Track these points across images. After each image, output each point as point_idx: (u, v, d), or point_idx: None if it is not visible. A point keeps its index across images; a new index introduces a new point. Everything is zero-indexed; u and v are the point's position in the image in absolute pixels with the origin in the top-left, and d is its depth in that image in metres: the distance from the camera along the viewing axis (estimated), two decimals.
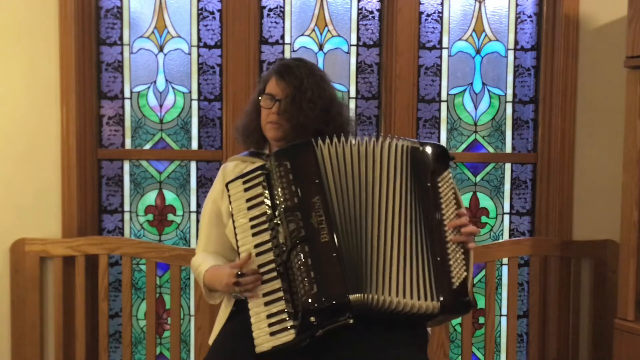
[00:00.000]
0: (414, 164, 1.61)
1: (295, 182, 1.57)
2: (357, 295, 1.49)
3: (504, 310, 2.54)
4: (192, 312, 2.50)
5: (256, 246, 1.59)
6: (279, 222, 1.56)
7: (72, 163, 2.37)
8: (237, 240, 1.62)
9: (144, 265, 2.45)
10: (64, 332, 2.37)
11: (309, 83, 1.73)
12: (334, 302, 1.47)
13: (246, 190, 1.64)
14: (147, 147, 2.52)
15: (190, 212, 2.54)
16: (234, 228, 1.63)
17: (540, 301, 2.51)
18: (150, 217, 2.54)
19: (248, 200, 1.63)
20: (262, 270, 1.56)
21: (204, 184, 2.52)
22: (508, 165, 2.61)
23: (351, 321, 1.47)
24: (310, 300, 1.46)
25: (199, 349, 2.39)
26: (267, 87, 1.79)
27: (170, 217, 2.55)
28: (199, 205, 2.53)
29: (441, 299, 1.52)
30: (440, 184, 1.61)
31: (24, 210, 2.37)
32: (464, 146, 2.59)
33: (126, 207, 2.53)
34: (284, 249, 1.53)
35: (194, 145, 2.52)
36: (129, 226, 2.53)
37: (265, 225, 1.59)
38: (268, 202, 1.60)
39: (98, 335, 2.40)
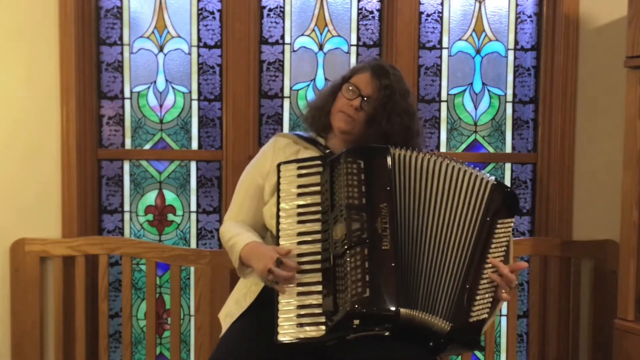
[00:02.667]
0: (489, 199, 1.58)
1: (366, 183, 1.54)
2: (407, 310, 1.47)
3: (504, 310, 2.54)
4: (192, 312, 2.50)
5: (299, 234, 1.57)
6: (338, 217, 1.52)
7: (72, 163, 2.36)
8: (278, 224, 1.59)
9: (144, 265, 2.44)
10: (64, 332, 2.37)
11: (400, 95, 1.71)
12: (383, 313, 1.44)
13: (300, 176, 1.62)
14: (147, 147, 2.52)
15: (190, 212, 2.54)
16: (278, 210, 1.59)
17: (540, 301, 2.51)
18: (150, 217, 2.54)
19: (300, 186, 1.60)
20: (302, 260, 1.53)
21: (204, 184, 2.52)
22: (508, 165, 2.61)
23: (387, 333, 1.44)
24: (359, 303, 1.43)
25: (199, 349, 2.39)
26: (355, 77, 1.75)
27: (170, 217, 2.54)
28: (199, 205, 2.53)
29: (453, 323, 1.50)
30: (498, 226, 1.59)
31: (24, 210, 2.36)
32: (464, 146, 2.59)
33: (126, 207, 2.53)
34: (339, 245, 1.49)
35: (194, 145, 2.52)
36: (129, 226, 2.53)
37: (317, 216, 1.56)
38: (326, 194, 1.56)
39: (98, 335, 2.39)
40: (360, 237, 1.48)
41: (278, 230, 1.59)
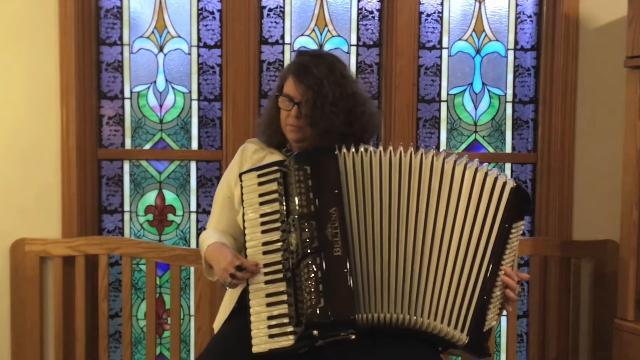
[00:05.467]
0: (506, 202, 1.55)
1: (314, 189, 1.52)
2: (365, 315, 1.48)
3: (504, 310, 2.54)
4: (192, 312, 2.50)
5: (264, 244, 1.56)
6: (292, 226, 1.52)
7: (72, 163, 2.36)
8: (245, 234, 1.59)
9: (144, 265, 2.45)
10: (64, 332, 2.37)
11: (329, 84, 1.65)
12: (339, 320, 1.44)
13: (260, 184, 1.60)
14: (147, 147, 2.52)
15: (190, 212, 2.54)
16: (243, 221, 1.60)
17: (540, 301, 2.51)
18: (150, 217, 2.54)
19: (261, 195, 1.59)
20: (268, 270, 1.54)
21: (204, 184, 2.52)
22: (508, 165, 2.60)
23: (353, 337, 1.44)
24: (315, 314, 1.43)
25: (199, 349, 2.39)
26: (285, 86, 1.72)
27: (170, 217, 2.55)
28: (199, 205, 2.53)
29: (472, 334, 1.51)
30: (513, 231, 1.57)
31: (24, 210, 2.37)
32: (464, 146, 2.59)
33: (126, 207, 2.53)
34: (294, 256, 1.50)
35: (194, 145, 2.52)
36: (129, 226, 2.53)
37: (277, 225, 1.56)
38: (283, 202, 1.56)
39: (98, 335, 2.40)
40: (311, 247, 1.48)
41: (245, 241, 1.60)
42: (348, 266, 1.47)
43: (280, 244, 1.55)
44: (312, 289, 1.45)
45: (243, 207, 1.61)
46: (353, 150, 1.57)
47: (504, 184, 1.56)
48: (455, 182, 1.56)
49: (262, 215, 1.58)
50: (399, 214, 1.54)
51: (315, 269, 1.46)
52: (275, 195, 1.57)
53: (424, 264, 1.53)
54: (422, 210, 1.54)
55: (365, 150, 1.57)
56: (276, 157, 1.77)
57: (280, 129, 1.76)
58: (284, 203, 1.55)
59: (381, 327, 1.52)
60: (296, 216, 1.51)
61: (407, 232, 1.54)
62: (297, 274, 1.49)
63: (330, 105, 1.65)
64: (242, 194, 1.62)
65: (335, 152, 1.56)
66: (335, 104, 1.65)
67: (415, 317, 1.50)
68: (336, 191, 1.52)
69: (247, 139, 1.91)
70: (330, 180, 1.53)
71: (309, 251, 1.47)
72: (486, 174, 1.56)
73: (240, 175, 1.64)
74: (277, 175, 1.59)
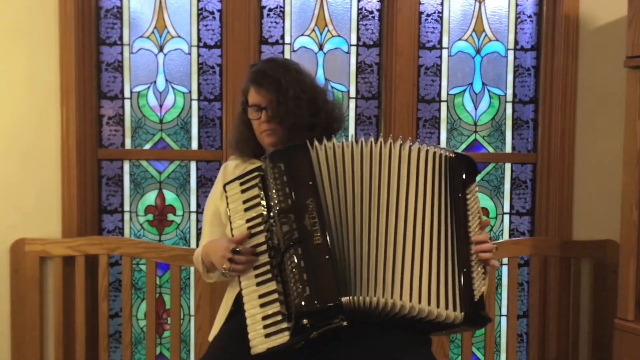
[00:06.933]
0: (449, 173, 1.62)
1: (289, 184, 1.56)
2: (350, 297, 1.50)
3: (504, 310, 2.54)
4: (192, 312, 2.50)
5: (252, 247, 1.60)
6: (273, 223, 1.56)
7: (72, 163, 2.37)
8: None
9: (144, 265, 2.45)
10: (64, 332, 2.37)
11: (287, 81, 1.74)
12: (326, 305, 1.46)
13: (243, 191, 1.64)
14: (147, 147, 2.52)
15: (190, 212, 2.54)
16: (231, 230, 1.63)
17: (540, 301, 2.51)
18: (150, 217, 2.54)
19: (245, 201, 1.63)
20: (258, 271, 1.57)
21: (204, 184, 2.52)
22: (508, 165, 2.61)
23: (345, 323, 1.46)
24: (302, 303, 1.46)
25: (199, 349, 2.39)
26: (249, 98, 1.80)
27: (170, 217, 2.55)
28: (198, 205, 2.53)
29: (465, 310, 1.53)
30: (468, 197, 1.62)
31: (24, 210, 2.37)
32: (464, 146, 2.59)
33: (126, 207, 2.53)
34: (279, 251, 1.53)
35: (194, 145, 2.52)
36: (129, 226, 2.53)
37: (262, 227, 1.59)
38: (264, 203, 1.60)
39: (98, 335, 2.40)
40: (291, 238, 1.51)
41: None
42: (329, 253, 1.50)
43: (266, 245, 1.58)
44: (297, 280, 1.48)
45: (230, 217, 1.65)
46: (325, 142, 1.62)
47: (446, 157, 1.63)
48: (420, 166, 1.61)
49: (248, 221, 1.61)
50: (371, 199, 1.59)
51: (297, 260, 1.49)
52: (258, 200, 1.61)
53: (398, 246, 1.55)
54: (394, 194, 1.59)
55: (337, 142, 1.62)
56: (257, 165, 1.80)
57: (252, 141, 1.83)
58: (265, 204, 1.59)
59: (370, 314, 1.53)
60: (276, 212, 1.55)
61: (379, 217, 1.57)
62: (283, 268, 1.52)
63: (292, 99, 1.72)
64: (227, 204, 1.66)
65: (307, 146, 1.61)
66: (297, 97, 1.73)
67: (392, 300, 1.51)
68: (311, 183, 1.56)
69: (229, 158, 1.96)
70: (304, 173, 1.58)
71: (290, 243, 1.51)
72: (434, 153, 1.62)
73: (225, 186, 1.69)
74: (257, 180, 1.63)
